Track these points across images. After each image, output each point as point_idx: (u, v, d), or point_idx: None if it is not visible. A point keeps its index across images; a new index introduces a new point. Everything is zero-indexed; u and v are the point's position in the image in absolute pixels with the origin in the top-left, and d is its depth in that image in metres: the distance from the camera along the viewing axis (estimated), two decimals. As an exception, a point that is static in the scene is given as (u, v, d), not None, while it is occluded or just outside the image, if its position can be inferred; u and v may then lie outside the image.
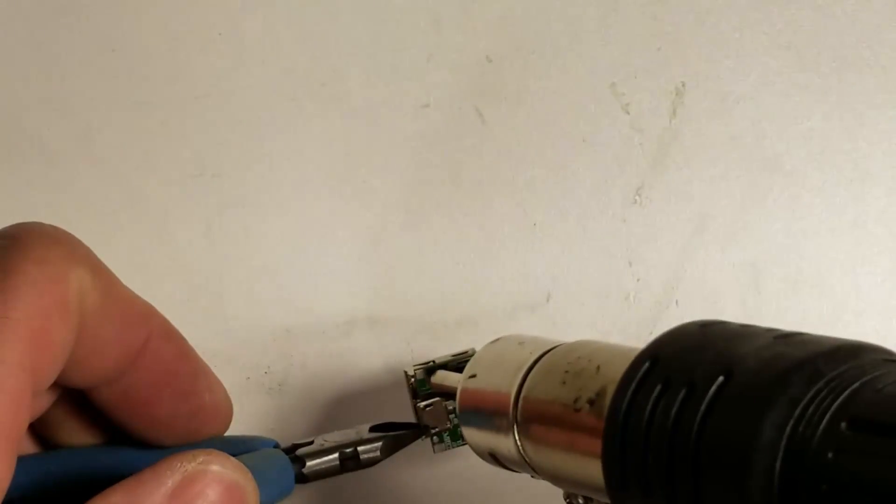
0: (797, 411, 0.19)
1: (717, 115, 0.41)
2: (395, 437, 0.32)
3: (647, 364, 0.22)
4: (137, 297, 0.25)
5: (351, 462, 0.31)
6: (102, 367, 0.23)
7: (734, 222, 0.40)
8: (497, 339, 0.32)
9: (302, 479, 0.29)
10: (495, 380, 0.29)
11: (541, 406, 0.27)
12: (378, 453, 0.31)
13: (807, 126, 0.41)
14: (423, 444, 0.34)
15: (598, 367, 0.26)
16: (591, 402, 0.25)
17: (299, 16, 0.39)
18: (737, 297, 0.40)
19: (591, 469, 0.24)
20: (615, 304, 0.40)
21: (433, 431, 0.34)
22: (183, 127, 0.38)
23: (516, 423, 0.28)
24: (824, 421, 0.19)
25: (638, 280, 0.40)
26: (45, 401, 0.25)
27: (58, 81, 0.38)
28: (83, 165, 0.37)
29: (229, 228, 0.38)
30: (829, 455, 0.19)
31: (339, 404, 0.38)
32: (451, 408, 0.34)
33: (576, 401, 0.25)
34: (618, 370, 0.23)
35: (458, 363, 0.35)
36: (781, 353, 0.20)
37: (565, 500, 0.28)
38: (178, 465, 0.20)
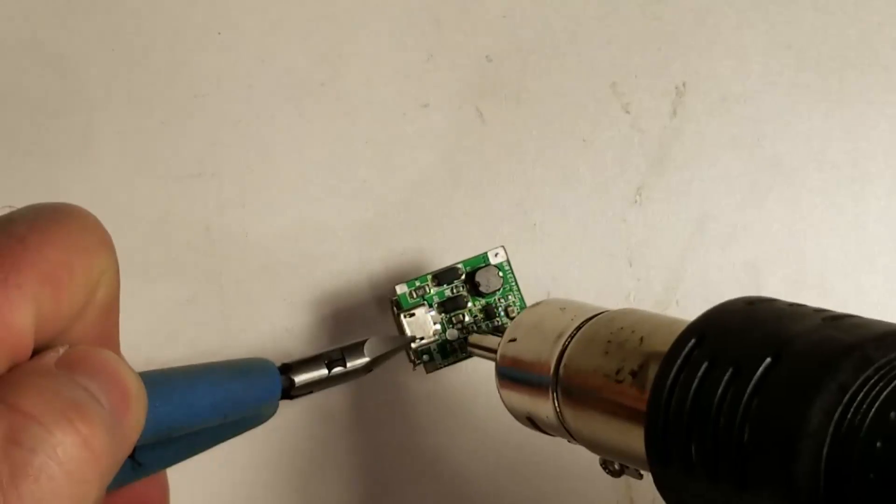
0: (846, 398, 0.19)
1: (717, 115, 0.41)
2: (381, 339, 0.32)
3: (692, 341, 0.22)
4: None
5: (338, 365, 0.30)
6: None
7: (734, 222, 0.40)
8: (538, 303, 0.31)
9: (290, 385, 0.29)
10: (536, 345, 0.29)
11: (582, 374, 0.27)
12: (365, 356, 0.31)
13: (807, 126, 0.41)
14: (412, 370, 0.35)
15: (642, 339, 0.25)
16: (634, 374, 0.25)
17: (299, 16, 0.39)
18: (737, 296, 0.40)
19: (632, 439, 0.24)
20: (615, 304, 0.39)
21: (420, 343, 0.34)
22: (183, 127, 0.38)
23: (556, 389, 0.28)
24: (874, 409, 0.19)
25: (638, 280, 0.40)
26: None
27: (58, 81, 0.38)
28: (83, 165, 0.37)
29: (229, 228, 0.38)
30: (878, 444, 0.19)
31: (340, 404, 0.38)
32: (435, 320, 0.35)
33: (618, 372, 0.25)
34: (661, 343, 0.23)
35: (440, 274, 0.35)
36: (830, 337, 0.20)
37: (601, 464, 0.28)
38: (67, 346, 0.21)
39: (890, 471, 0.18)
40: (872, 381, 0.19)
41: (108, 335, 0.23)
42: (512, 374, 0.30)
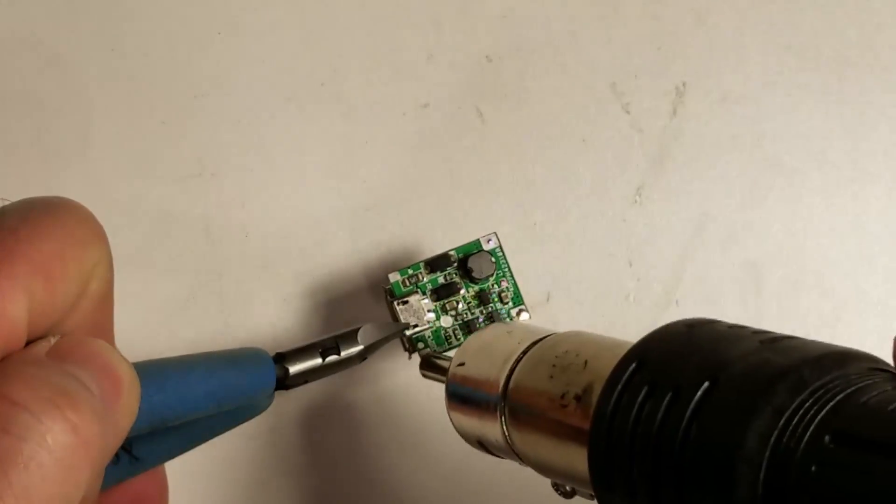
0: (782, 421, 0.19)
1: (717, 115, 0.41)
2: (374, 325, 0.32)
3: (633, 365, 0.22)
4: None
5: (332, 353, 0.30)
6: None
7: (734, 222, 0.40)
8: (485, 327, 0.32)
9: (285, 374, 0.29)
10: (484, 369, 0.29)
11: (528, 398, 0.27)
12: (358, 345, 0.31)
13: (807, 126, 0.41)
14: (406, 360, 0.35)
15: (586, 362, 0.26)
16: (578, 399, 0.25)
17: (299, 16, 0.39)
18: (737, 297, 0.40)
19: (578, 462, 0.24)
20: (615, 304, 0.40)
21: (414, 331, 0.34)
22: (183, 127, 0.38)
23: (504, 413, 0.28)
24: (808, 433, 0.19)
25: (638, 280, 0.40)
26: None
27: (57, 81, 0.38)
28: (83, 165, 0.37)
29: (229, 228, 0.38)
30: (813, 468, 0.18)
31: (339, 404, 0.38)
32: (429, 308, 0.35)
33: (563, 396, 0.25)
34: (605, 366, 0.23)
35: (433, 261, 0.35)
36: (767, 360, 0.20)
37: (552, 486, 0.28)
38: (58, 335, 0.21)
39: (823, 495, 0.18)
40: (808, 403, 0.19)
41: (102, 326, 0.23)
42: (461, 398, 0.30)
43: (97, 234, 0.22)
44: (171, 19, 0.38)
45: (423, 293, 0.35)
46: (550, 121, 0.40)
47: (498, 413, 0.28)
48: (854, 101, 0.41)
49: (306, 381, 0.30)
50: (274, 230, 0.38)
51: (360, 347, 0.31)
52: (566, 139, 0.40)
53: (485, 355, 0.30)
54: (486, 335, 0.31)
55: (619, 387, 0.22)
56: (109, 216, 0.38)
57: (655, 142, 0.40)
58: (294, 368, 0.29)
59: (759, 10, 0.41)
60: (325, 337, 0.31)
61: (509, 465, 0.29)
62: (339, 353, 0.30)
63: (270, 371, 0.28)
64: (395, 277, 0.35)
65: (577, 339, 0.27)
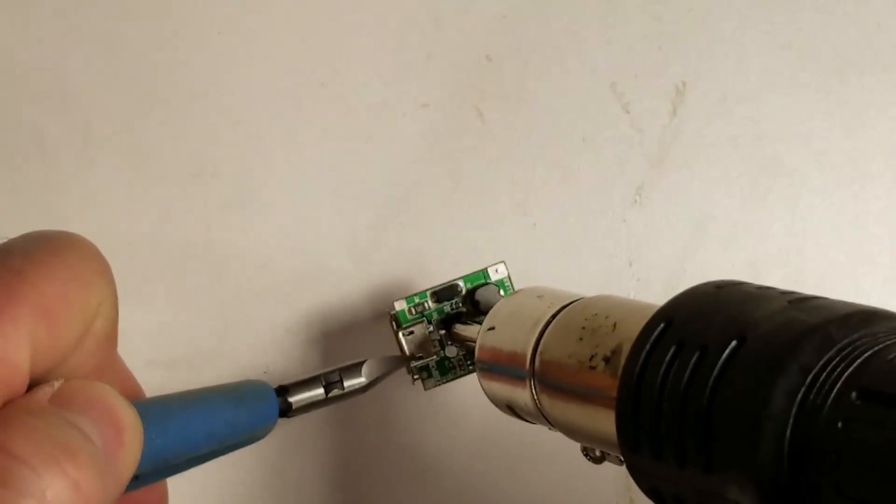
0: (808, 379, 0.19)
1: (717, 115, 0.41)
2: (379, 360, 0.32)
3: (661, 325, 0.22)
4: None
5: (336, 387, 0.30)
6: None
7: (734, 222, 0.40)
8: (517, 292, 0.32)
9: (287, 407, 0.29)
10: (513, 333, 0.29)
11: (557, 362, 0.27)
12: (362, 377, 0.31)
13: (807, 126, 0.41)
14: (412, 387, 0.35)
15: (615, 325, 0.25)
16: (607, 360, 0.25)
17: (299, 16, 0.39)
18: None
19: (606, 425, 0.24)
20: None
21: (419, 362, 0.34)
22: (183, 127, 0.38)
23: (533, 377, 0.28)
24: (835, 390, 0.19)
25: (638, 280, 0.40)
26: None
27: (57, 81, 0.38)
28: (83, 165, 0.37)
29: (229, 228, 0.38)
30: (839, 424, 0.19)
31: (339, 404, 0.38)
32: (434, 337, 0.35)
33: (591, 358, 0.25)
34: (634, 328, 0.23)
35: (440, 291, 0.35)
36: (794, 319, 0.20)
37: (582, 451, 0.28)
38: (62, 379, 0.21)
39: (849, 451, 0.18)
40: (834, 361, 0.19)
41: (105, 363, 0.23)
42: (490, 362, 0.30)
43: (102, 271, 0.22)
44: (171, 19, 0.38)
45: (429, 322, 0.35)
46: (550, 121, 0.40)
47: (527, 377, 0.28)
48: (854, 101, 0.41)
49: (308, 412, 0.30)
50: (274, 230, 0.38)
51: (364, 382, 0.31)
52: (566, 139, 0.40)
53: (515, 319, 0.30)
54: (517, 300, 0.31)
55: (647, 347, 0.22)
56: (109, 216, 0.38)
57: (655, 142, 0.40)
58: (296, 400, 0.30)
59: (759, 10, 0.41)
60: (328, 370, 0.31)
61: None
62: (342, 388, 0.31)
63: (273, 406, 0.28)
64: (401, 306, 0.35)
65: (606, 303, 0.27)
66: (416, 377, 0.35)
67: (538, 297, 0.30)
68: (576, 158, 0.40)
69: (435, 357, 0.35)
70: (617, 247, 0.40)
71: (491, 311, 0.31)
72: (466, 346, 0.34)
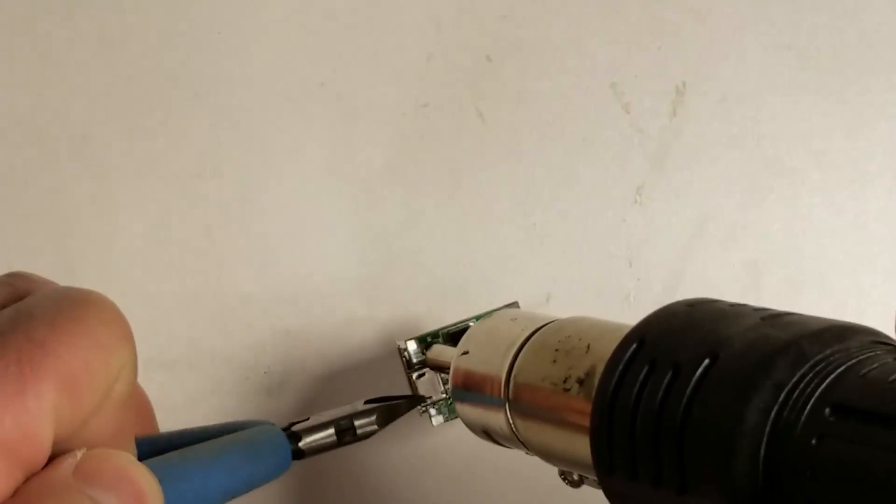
0: (782, 396, 0.19)
1: (717, 115, 0.41)
2: (391, 406, 0.32)
3: (633, 345, 0.22)
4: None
5: (347, 434, 0.30)
6: None
7: (734, 222, 0.40)
8: (490, 315, 0.32)
9: (299, 454, 0.29)
10: (487, 357, 0.29)
11: (531, 384, 0.27)
12: (374, 425, 0.31)
13: (807, 126, 0.41)
14: (421, 421, 0.35)
15: (589, 346, 0.25)
16: (581, 382, 0.25)
17: (299, 16, 0.39)
18: (737, 297, 0.40)
19: (581, 448, 0.24)
20: (615, 304, 0.40)
21: (428, 402, 0.34)
22: (183, 127, 0.38)
23: (508, 400, 0.28)
24: (809, 406, 0.19)
25: (638, 280, 0.40)
26: None
27: (57, 81, 0.38)
28: (83, 165, 0.37)
29: (229, 228, 0.38)
30: (813, 441, 0.18)
31: (339, 404, 0.38)
32: (445, 378, 0.34)
33: (566, 380, 0.25)
34: (607, 349, 0.23)
35: (450, 333, 0.35)
36: (767, 335, 0.20)
37: (560, 475, 0.28)
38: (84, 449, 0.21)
39: (824, 467, 0.18)
40: (808, 378, 0.19)
41: (125, 426, 0.23)
42: (465, 387, 0.30)
43: (124, 336, 0.22)
44: (171, 19, 0.38)
45: None
46: (550, 121, 0.40)
47: (502, 401, 0.28)
48: (854, 101, 0.41)
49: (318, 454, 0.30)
50: (274, 230, 0.38)
51: (376, 428, 0.31)
52: (566, 139, 0.40)
53: (489, 342, 0.29)
54: (491, 323, 0.31)
55: (620, 367, 0.22)
56: (109, 216, 0.38)
57: (655, 142, 0.40)
58: (308, 446, 0.30)
59: (759, 10, 0.41)
60: (340, 415, 0.31)
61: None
62: (355, 433, 0.31)
63: (287, 457, 0.28)
64: (413, 347, 0.35)
65: (579, 324, 0.27)
66: (422, 412, 0.35)
67: (512, 319, 0.30)
68: (576, 158, 0.40)
69: (445, 397, 0.35)
70: (617, 247, 0.40)
71: (465, 335, 0.31)
72: (441, 371, 0.34)
